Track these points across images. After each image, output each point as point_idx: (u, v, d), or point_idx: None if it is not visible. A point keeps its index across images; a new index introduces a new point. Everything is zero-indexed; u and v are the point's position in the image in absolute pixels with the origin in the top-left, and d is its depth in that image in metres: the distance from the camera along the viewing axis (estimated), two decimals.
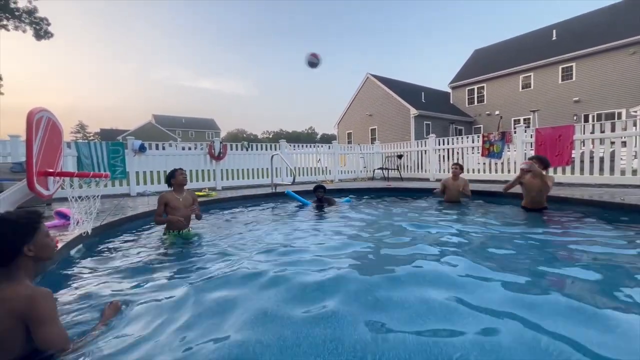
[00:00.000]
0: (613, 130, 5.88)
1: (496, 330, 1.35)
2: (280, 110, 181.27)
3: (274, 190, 6.46)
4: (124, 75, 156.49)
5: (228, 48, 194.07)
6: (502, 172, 7.58)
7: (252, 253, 2.59)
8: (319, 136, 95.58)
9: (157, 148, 7.50)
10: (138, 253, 2.69)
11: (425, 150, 9.59)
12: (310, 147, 10.04)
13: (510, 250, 2.58)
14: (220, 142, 8.16)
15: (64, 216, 3.14)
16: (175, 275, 2.15)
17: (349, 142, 23.92)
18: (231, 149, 8.41)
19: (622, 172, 5.77)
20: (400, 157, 10.36)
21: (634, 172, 5.61)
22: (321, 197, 5.14)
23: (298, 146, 9.88)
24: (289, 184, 6.37)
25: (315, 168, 9.98)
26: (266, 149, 9.00)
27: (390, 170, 10.11)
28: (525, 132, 7.14)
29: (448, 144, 8.98)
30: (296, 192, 5.58)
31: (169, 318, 1.52)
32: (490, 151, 7.71)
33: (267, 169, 8.62)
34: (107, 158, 6.56)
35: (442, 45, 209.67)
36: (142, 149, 7.07)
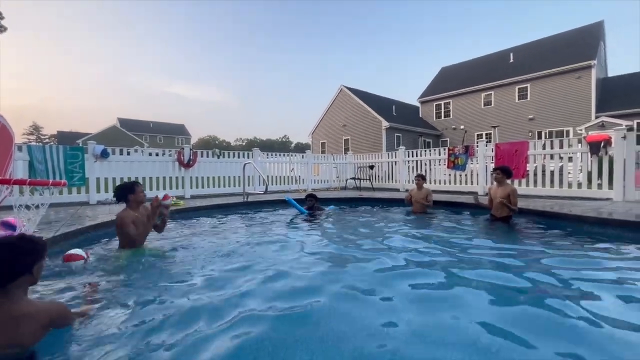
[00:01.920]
0: (561, 147, 6.46)
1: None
2: (254, 118, 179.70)
3: (245, 199, 6.35)
4: (90, 77, 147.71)
5: (201, 53, 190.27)
6: (466, 183, 8.02)
7: (217, 266, 2.51)
8: (293, 145, 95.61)
9: (121, 153, 7.13)
10: (91, 272, 2.37)
11: (396, 162, 9.92)
12: (284, 156, 10.03)
13: (469, 256, 2.73)
14: (191, 149, 7.92)
15: (10, 226, 2.88)
16: (131, 297, 1.94)
17: (323, 152, 24.16)
18: (202, 156, 8.19)
19: (569, 185, 6.32)
20: (372, 167, 10.62)
21: (579, 185, 6.17)
22: (312, 205, 5.37)
23: (272, 155, 9.83)
24: (260, 193, 6.30)
25: (288, 177, 9.96)
26: (239, 157, 8.85)
27: (362, 180, 10.32)
28: (487, 146, 7.63)
29: (417, 156, 9.36)
30: (269, 200, 5.54)
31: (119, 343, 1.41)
32: (455, 164, 8.14)
33: (239, 177, 8.47)
34: (64, 163, 6.12)
35: (411, 60, 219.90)
36: (104, 154, 6.68)
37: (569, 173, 6.50)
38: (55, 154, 6.07)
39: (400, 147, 10.07)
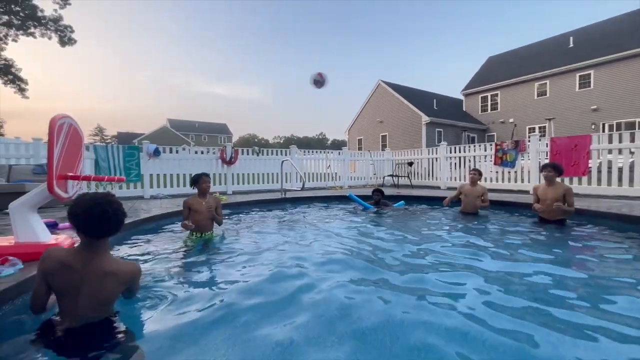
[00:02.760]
0: (632, 140, 5.70)
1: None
2: (291, 116, 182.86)
3: (283, 196, 6.50)
4: (141, 80, 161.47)
5: (241, 54, 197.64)
6: (516, 181, 7.43)
7: (277, 256, 2.71)
8: (329, 142, 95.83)
9: (170, 152, 7.69)
10: (157, 254, 2.77)
11: (437, 158, 9.50)
12: (321, 152, 10.10)
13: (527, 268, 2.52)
14: (232, 147, 8.29)
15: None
16: (198, 277, 2.25)
17: (360, 149, 23.90)
18: (242, 154, 8.54)
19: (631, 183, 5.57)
20: (410, 164, 10.28)
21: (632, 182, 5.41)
22: (378, 200, 5.38)
23: (308, 152, 9.95)
24: (298, 189, 6.41)
25: (325, 174, 10.01)
26: (276, 154, 9.10)
27: (400, 178, 10.04)
28: (540, 140, 6.99)
29: (460, 152, 8.87)
30: (307, 197, 5.60)
31: (188, 321, 1.56)
32: (503, 160, 7.58)
33: (277, 173, 8.70)
34: (123, 161, 6.76)
35: (455, 52, 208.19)
36: (156, 152, 7.26)
37: None
38: (116, 153, 6.73)
39: (442, 142, 9.61)
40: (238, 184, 8.46)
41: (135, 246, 3.05)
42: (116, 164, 6.70)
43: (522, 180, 7.28)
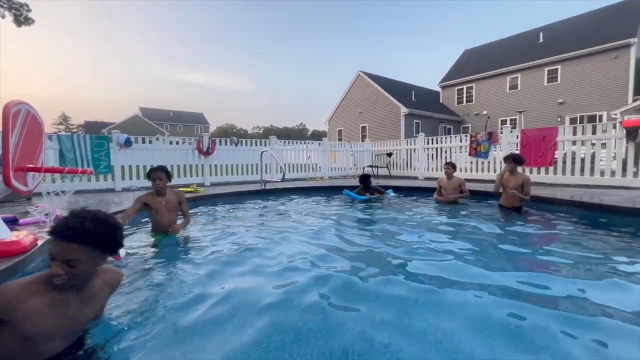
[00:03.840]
0: (594, 132, 6.07)
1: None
2: (271, 106, 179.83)
3: (263, 187, 6.42)
4: (111, 67, 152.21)
5: (219, 42, 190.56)
6: (489, 171, 7.74)
7: (256, 252, 2.54)
8: (309, 132, 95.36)
9: (143, 142, 7.35)
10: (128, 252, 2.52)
11: (415, 149, 9.69)
12: (301, 143, 10.02)
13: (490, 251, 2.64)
14: (209, 137, 8.04)
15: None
16: (165, 279, 2.04)
17: (340, 139, 23.96)
18: (220, 144, 8.31)
19: (602, 173, 5.97)
20: (389, 155, 10.44)
21: (613, 173, 5.81)
22: (368, 185, 5.55)
23: (288, 142, 9.85)
24: (278, 180, 6.35)
25: (305, 165, 9.97)
26: (256, 145, 8.93)
27: (379, 168, 10.18)
28: (511, 132, 7.29)
29: (437, 143, 9.10)
30: (287, 188, 5.56)
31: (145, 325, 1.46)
32: (478, 151, 7.86)
33: (257, 164, 8.55)
34: (91, 152, 6.39)
35: (432, 44, 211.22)
36: (127, 142, 6.91)
37: (602, 160, 6.13)
38: (83, 143, 6.33)
39: (420, 133, 9.81)
40: (216, 175, 8.25)
41: None
42: (83, 154, 6.32)
43: (495, 171, 7.58)
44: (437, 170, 8.93)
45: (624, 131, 5.54)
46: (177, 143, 7.91)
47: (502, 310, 1.54)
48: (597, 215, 3.66)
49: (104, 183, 6.75)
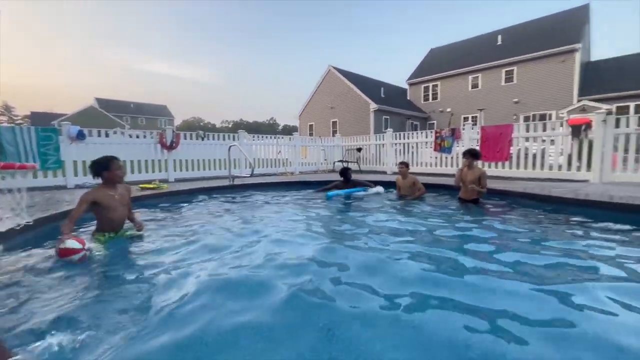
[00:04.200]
0: (544, 130, 6.58)
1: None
2: (241, 100, 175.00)
3: (231, 183, 6.24)
4: (63, 52, 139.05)
5: (186, 31, 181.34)
6: (452, 166, 8.12)
7: (209, 256, 2.39)
8: (280, 127, 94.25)
9: (99, 135, 6.82)
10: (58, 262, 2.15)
11: (383, 144, 9.92)
12: (271, 138, 9.86)
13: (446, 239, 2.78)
14: (173, 131, 7.65)
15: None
16: (117, 287, 1.89)
17: (311, 134, 23.91)
18: (185, 139, 7.94)
19: (550, 167, 6.49)
20: (359, 150, 10.60)
21: (560, 167, 6.34)
22: (348, 179, 5.56)
23: (258, 137, 9.64)
24: (247, 176, 6.20)
25: (275, 160, 9.83)
26: (224, 139, 8.63)
27: (350, 163, 10.31)
28: (472, 129, 7.69)
29: (404, 138, 9.38)
30: (257, 184, 5.44)
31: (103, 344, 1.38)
32: (442, 146, 8.21)
33: (225, 159, 8.28)
34: (36, 145, 5.81)
35: (400, 42, 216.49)
36: (80, 135, 6.37)
37: (550, 156, 6.67)
38: (27, 136, 5.74)
39: (388, 129, 10.04)
40: (181, 170, 7.88)
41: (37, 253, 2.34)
42: (28, 148, 5.73)
43: (457, 165, 7.97)
44: None
45: (570, 129, 6.06)
46: (138, 137, 7.44)
47: (461, 292, 1.62)
48: (546, 206, 3.98)
49: (53, 180, 6.18)
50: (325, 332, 1.34)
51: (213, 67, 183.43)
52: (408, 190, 4.97)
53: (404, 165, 5.03)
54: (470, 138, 7.61)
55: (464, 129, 7.81)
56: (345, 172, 5.69)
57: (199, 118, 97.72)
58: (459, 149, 7.96)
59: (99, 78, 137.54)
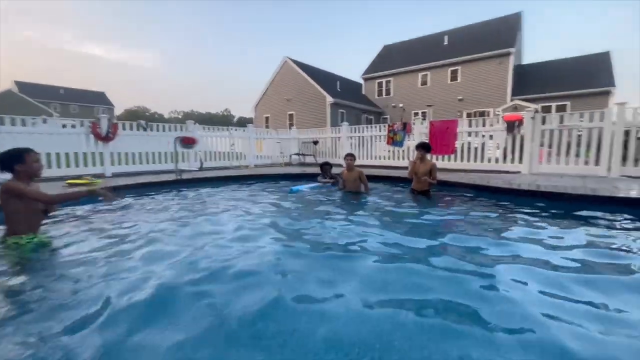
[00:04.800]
0: (484, 125, 7.14)
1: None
2: (192, 89, 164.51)
3: (178, 177, 5.79)
4: None
5: (131, 13, 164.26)
6: (404, 159, 8.47)
7: (161, 257, 2.15)
8: (235, 119, 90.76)
9: (13, 124, 5.84)
10: None
11: (339, 137, 10.00)
12: (223, 130, 9.34)
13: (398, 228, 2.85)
14: (109, 120, 6.85)
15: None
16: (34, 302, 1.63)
17: (267, 127, 23.35)
18: (124, 129, 7.17)
19: (489, 160, 7.07)
20: (316, 143, 10.57)
21: (497, 160, 6.94)
22: (329, 174, 5.41)
23: (209, 128, 9.08)
24: (195, 169, 5.79)
25: (229, 153, 9.37)
26: (169, 130, 7.96)
27: (306, 156, 10.24)
28: (422, 124, 8.07)
29: (359, 132, 9.54)
30: (207, 178, 5.10)
31: None
32: (394, 140, 8.50)
33: (172, 152, 7.67)
34: None
35: (355, 37, 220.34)
36: None
37: (489, 149, 7.26)
38: None
39: (344, 123, 10.14)
40: (119, 164, 7.12)
41: None
42: None
43: (409, 158, 8.32)
44: (361, 158, 9.39)
45: (505, 125, 6.63)
46: (65, 126, 6.54)
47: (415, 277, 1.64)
48: (486, 194, 4.33)
49: None
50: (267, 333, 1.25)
51: (162, 53, 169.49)
52: (352, 184, 4.77)
53: (351, 157, 4.81)
54: (420, 132, 7.97)
55: (414, 124, 8.15)
56: (323, 165, 5.69)
57: (144, 107, 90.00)
58: (410, 142, 8.31)
59: (18, 58, 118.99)
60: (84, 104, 44.82)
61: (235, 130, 9.71)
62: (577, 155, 6.04)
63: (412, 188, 4.63)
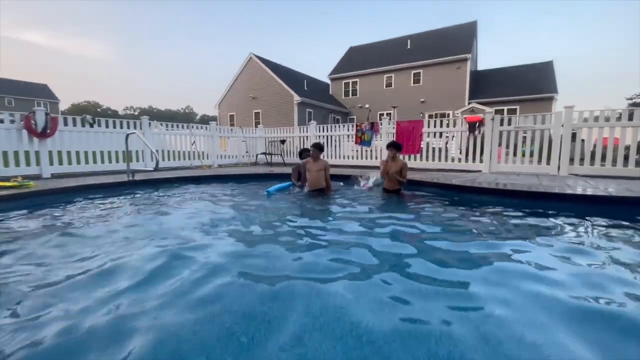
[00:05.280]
0: (448, 126, 7.37)
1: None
2: (152, 85, 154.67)
3: (130, 178, 5.23)
4: None
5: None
6: (371, 158, 8.50)
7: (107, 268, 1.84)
8: (198, 117, 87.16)
9: None
10: None
11: (307, 136, 9.82)
12: (184, 128, 8.73)
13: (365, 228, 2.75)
14: (47, 114, 6.04)
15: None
16: None
17: (232, 125, 22.53)
18: (66, 124, 6.38)
19: (452, 160, 7.31)
20: (283, 142, 10.30)
21: (459, 159, 7.18)
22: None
23: (168, 126, 8.43)
24: (150, 170, 5.28)
25: (191, 152, 8.79)
26: (120, 127, 7.23)
27: (273, 156, 9.93)
28: (389, 124, 8.16)
29: (328, 131, 9.43)
30: (165, 178, 4.65)
31: None
32: (362, 139, 8.51)
33: (125, 151, 6.97)
34: None
35: (322, 38, 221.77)
36: None
37: (452, 149, 7.50)
38: None
39: (312, 121, 9.98)
40: (61, 164, 6.32)
41: None
42: None
43: (376, 158, 8.39)
44: (329, 157, 9.29)
45: (467, 125, 6.89)
46: None
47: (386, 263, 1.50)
48: (450, 192, 4.42)
49: None
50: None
51: (114, 45, 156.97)
52: (316, 176, 4.37)
53: (318, 149, 4.40)
54: (387, 132, 8.05)
55: (381, 124, 8.21)
56: (301, 153, 5.20)
57: (95, 102, 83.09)
58: (377, 142, 8.37)
59: None
60: (21, 96, 40.11)
61: (197, 128, 9.14)
62: (523, 154, 6.47)
63: (383, 187, 4.61)
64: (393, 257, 2.11)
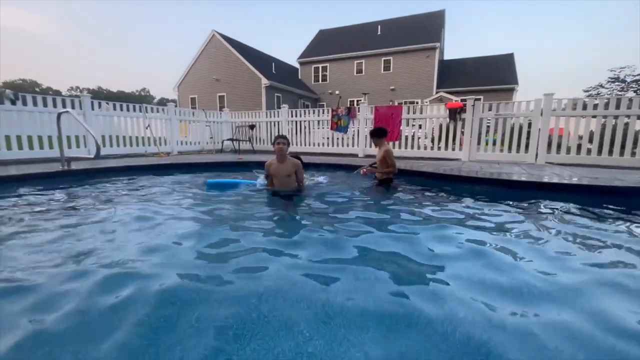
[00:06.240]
0: (421, 112, 7.12)
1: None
2: (101, 64, 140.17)
3: (65, 168, 4.28)
4: None
5: None
6: (348, 145, 8.05)
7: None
8: (156, 100, 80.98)
9: None
10: None
11: (278, 121, 9.11)
12: (135, 109, 7.56)
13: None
14: None
15: None
16: None
17: (194, 108, 20.90)
18: None
19: (432, 148, 7.10)
20: (252, 127, 9.49)
21: (439, 147, 6.98)
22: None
23: (119, 107, 7.23)
24: (90, 158, 4.36)
25: (144, 138, 7.70)
26: (53, 106, 6.02)
27: (242, 142, 9.12)
28: (367, 109, 7.72)
29: (300, 116, 8.79)
30: (109, 168, 3.81)
31: None
32: (339, 125, 8.01)
33: (64, 135, 5.80)
34: None
35: (290, 17, 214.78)
36: None
37: (432, 137, 7.29)
38: None
39: (283, 105, 9.26)
40: None
41: None
42: None
43: (353, 145, 7.95)
44: (300, 145, 8.70)
45: (447, 112, 6.66)
46: None
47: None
48: (436, 181, 4.19)
49: None
50: None
51: (58, 19, 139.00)
52: (284, 181, 3.35)
53: (284, 140, 3.23)
54: (365, 118, 7.62)
55: (359, 109, 7.75)
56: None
57: (32, 81, 73.75)
58: (355, 128, 7.92)
59: None
60: None
61: (152, 110, 8.02)
62: (487, 143, 6.43)
63: (375, 176, 4.24)
64: (372, 253, 1.66)
